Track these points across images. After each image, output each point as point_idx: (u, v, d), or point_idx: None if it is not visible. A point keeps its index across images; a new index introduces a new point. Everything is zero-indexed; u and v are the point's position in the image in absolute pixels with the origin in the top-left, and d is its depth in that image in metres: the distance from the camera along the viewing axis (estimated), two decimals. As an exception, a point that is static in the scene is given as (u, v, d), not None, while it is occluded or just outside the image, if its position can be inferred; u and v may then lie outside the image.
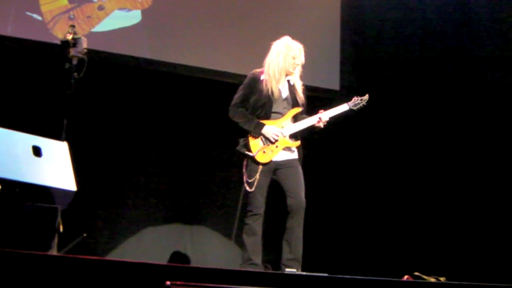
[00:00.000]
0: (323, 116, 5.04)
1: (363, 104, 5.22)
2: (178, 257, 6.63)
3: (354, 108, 5.19)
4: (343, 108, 5.16)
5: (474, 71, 7.31)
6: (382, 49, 7.81)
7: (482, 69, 7.25)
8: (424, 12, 7.76)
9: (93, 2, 6.67)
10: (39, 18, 6.45)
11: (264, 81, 5.03)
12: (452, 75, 7.45)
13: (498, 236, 6.79)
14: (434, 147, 7.39)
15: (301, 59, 5.07)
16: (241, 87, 5.14)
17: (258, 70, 5.12)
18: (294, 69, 5.06)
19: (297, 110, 5.08)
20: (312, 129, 5.08)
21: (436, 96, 7.47)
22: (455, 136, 7.30)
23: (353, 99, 5.23)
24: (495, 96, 7.09)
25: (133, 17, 6.86)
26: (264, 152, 4.95)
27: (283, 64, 5.01)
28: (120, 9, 6.80)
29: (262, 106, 5.02)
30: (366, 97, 5.23)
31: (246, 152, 4.97)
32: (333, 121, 5.16)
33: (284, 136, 4.99)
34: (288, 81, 5.11)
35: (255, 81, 5.07)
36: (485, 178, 7.01)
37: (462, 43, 7.54)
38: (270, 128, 4.96)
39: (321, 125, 5.04)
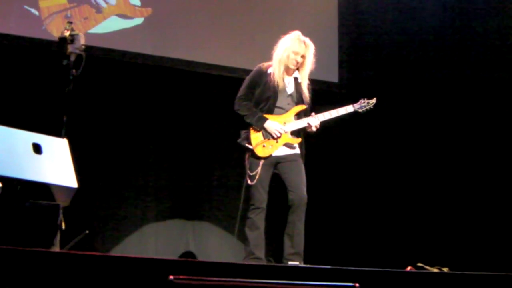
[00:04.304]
0: (313, 121, 5.00)
1: (370, 107, 5.15)
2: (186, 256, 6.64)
3: (360, 110, 5.13)
4: (347, 109, 5.11)
5: (474, 67, 7.32)
6: (380, 41, 7.81)
7: (482, 67, 7.26)
8: (423, 8, 7.74)
9: (92, 4, 6.67)
10: (36, 13, 6.45)
11: (271, 75, 5.01)
12: (450, 70, 7.47)
13: (501, 226, 6.80)
14: (434, 139, 7.39)
15: (306, 56, 4.98)
16: (246, 79, 5.13)
17: (266, 63, 5.09)
18: (294, 66, 5.01)
19: (301, 107, 5.06)
20: (305, 131, 5.06)
21: (434, 88, 7.47)
22: (454, 129, 7.31)
23: (359, 101, 5.16)
24: (494, 95, 7.11)
25: (134, 22, 6.87)
26: (264, 146, 4.95)
27: (282, 57, 4.98)
28: (119, 15, 6.79)
29: (266, 100, 5.01)
30: (374, 100, 5.17)
31: (246, 145, 4.97)
32: (337, 119, 5.13)
33: (286, 132, 4.97)
34: (296, 78, 5.08)
35: (261, 74, 5.06)
36: (486, 170, 7.03)
37: (461, 40, 7.54)
38: (272, 123, 4.95)
39: (314, 129, 5.01)
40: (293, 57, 4.97)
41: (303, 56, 4.98)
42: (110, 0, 6.78)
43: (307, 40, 5.01)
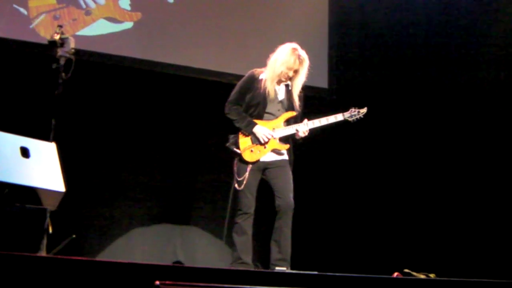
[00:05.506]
0: (301, 128, 4.99)
1: (360, 117, 5.11)
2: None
3: (350, 119, 5.10)
4: (336, 118, 5.08)
5: (465, 70, 7.35)
6: (370, 46, 7.83)
7: (475, 68, 7.29)
8: (413, 13, 7.77)
9: (80, 6, 6.67)
10: (25, 12, 6.44)
11: (262, 81, 5.03)
12: (438, 72, 7.51)
13: (487, 233, 6.83)
14: (421, 145, 7.42)
15: (299, 71, 4.97)
16: (238, 84, 5.13)
17: (258, 69, 5.10)
18: (286, 79, 5.02)
19: (291, 114, 5.06)
20: (294, 138, 5.07)
21: (424, 93, 7.51)
22: (441, 133, 7.35)
23: (349, 110, 5.12)
24: (490, 95, 7.14)
25: (123, 27, 6.86)
26: (251, 151, 4.96)
27: (277, 71, 4.98)
28: (108, 18, 6.78)
29: (256, 105, 5.01)
30: (364, 110, 5.13)
31: (234, 149, 4.98)
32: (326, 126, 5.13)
33: (274, 138, 4.98)
34: (287, 85, 5.09)
35: (253, 79, 5.06)
36: (473, 176, 7.06)
37: (450, 42, 7.58)
38: (261, 128, 4.96)
39: (301, 134, 4.99)
40: (286, 72, 4.98)
41: (295, 71, 4.99)
42: (99, 2, 6.77)
43: (302, 54, 4.98)
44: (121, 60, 6.76)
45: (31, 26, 6.45)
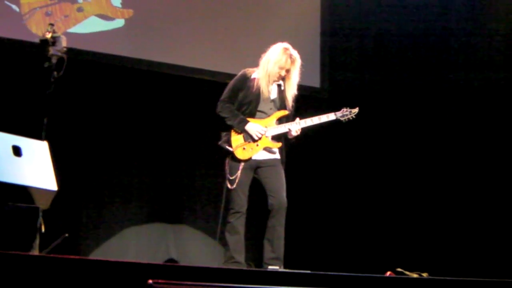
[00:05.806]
0: (294, 127, 5.00)
1: (352, 117, 5.11)
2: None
3: (342, 119, 5.10)
4: (328, 117, 5.08)
5: (463, 70, 7.37)
6: (363, 46, 7.85)
7: (473, 68, 7.31)
8: (406, 13, 7.78)
9: (74, 2, 6.64)
10: (17, 9, 6.42)
11: (255, 80, 5.03)
12: (433, 72, 7.53)
13: (480, 232, 6.85)
14: (413, 144, 7.43)
15: (291, 71, 5.00)
16: (230, 83, 5.14)
17: (251, 69, 5.11)
18: (278, 79, 5.04)
19: (283, 113, 5.07)
20: (286, 137, 5.07)
21: (415, 92, 7.53)
22: (433, 132, 7.36)
23: (341, 110, 5.12)
24: (489, 95, 7.17)
25: (115, 24, 6.84)
26: (244, 148, 4.96)
27: (270, 71, 5.00)
28: (100, 15, 6.75)
29: (249, 103, 5.02)
30: (356, 110, 5.12)
31: (226, 147, 4.98)
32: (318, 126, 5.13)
33: (267, 136, 4.98)
34: (279, 85, 5.10)
35: (245, 78, 5.08)
36: (466, 176, 7.07)
37: (442, 43, 7.60)
38: (253, 125, 4.96)
39: (293, 133, 5.00)
40: (278, 71, 5.00)
41: (287, 70, 5.01)
42: (91, -2, 6.76)
43: (294, 53, 5.01)
44: (113, 58, 6.75)
45: (23, 23, 6.43)
